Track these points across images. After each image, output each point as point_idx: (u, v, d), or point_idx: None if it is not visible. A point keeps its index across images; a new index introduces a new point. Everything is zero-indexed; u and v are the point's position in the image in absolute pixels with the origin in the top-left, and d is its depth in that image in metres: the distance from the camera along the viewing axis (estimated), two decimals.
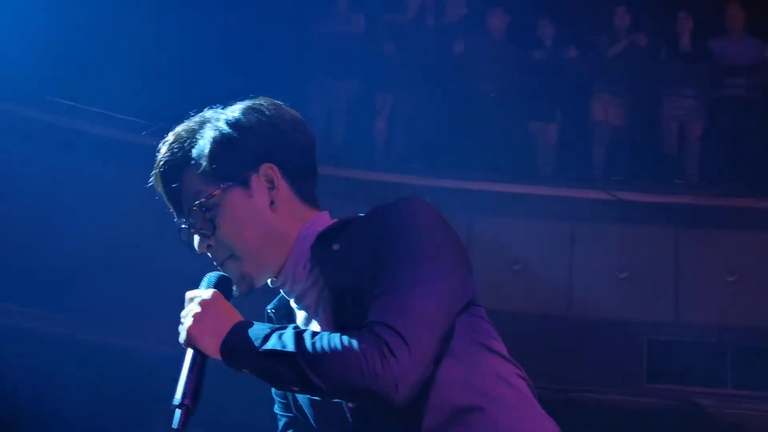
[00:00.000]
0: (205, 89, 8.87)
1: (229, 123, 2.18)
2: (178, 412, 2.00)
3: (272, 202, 2.16)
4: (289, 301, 2.24)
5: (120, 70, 9.01)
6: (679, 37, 9.80)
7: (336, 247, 2.11)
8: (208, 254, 2.19)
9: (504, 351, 2.14)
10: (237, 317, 2.06)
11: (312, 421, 2.22)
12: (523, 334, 7.00)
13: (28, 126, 9.04)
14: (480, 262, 8.77)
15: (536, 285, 8.72)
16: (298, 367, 1.93)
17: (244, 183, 2.16)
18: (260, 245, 2.16)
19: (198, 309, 2.05)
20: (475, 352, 2.07)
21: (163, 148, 2.21)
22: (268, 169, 2.16)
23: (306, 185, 2.22)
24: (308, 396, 2.10)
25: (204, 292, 2.09)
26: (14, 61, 8.43)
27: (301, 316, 2.21)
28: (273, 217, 2.17)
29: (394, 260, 2.00)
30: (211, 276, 2.16)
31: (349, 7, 9.92)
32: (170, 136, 2.22)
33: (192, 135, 2.19)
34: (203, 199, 2.14)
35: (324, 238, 2.15)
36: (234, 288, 2.17)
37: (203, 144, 2.16)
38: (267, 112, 2.20)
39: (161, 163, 2.20)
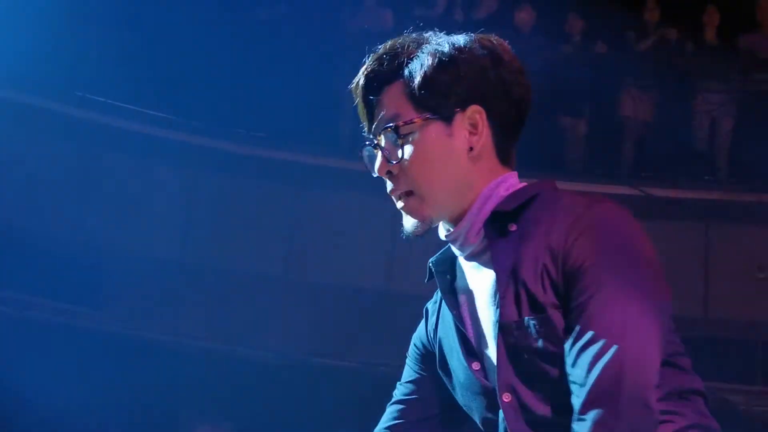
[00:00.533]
0: (229, 87, 8.97)
1: (451, 52, 1.99)
2: None
3: (471, 148, 1.99)
4: (452, 255, 2.09)
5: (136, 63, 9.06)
6: (707, 31, 9.73)
7: (513, 228, 1.96)
8: (386, 180, 2.03)
9: (688, 364, 2.01)
10: None
11: (452, 390, 2.10)
12: None
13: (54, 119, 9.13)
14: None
15: None
16: None
17: (448, 119, 1.99)
18: (446, 189, 2.00)
19: None
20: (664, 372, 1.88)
21: (372, 57, 2.04)
22: (476, 112, 1.99)
23: (507, 140, 2.04)
24: (464, 373, 2.03)
25: None
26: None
27: (469, 268, 2.05)
28: (466, 164, 2.00)
29: (597, 285, 1.83)
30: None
31: (378, 2, 9.93)
32: (382, 48, 2.05)
33: (407, 51, 2.02)
34: (400, 123, 1.98)
35: (500, 215, 1.98)
36: (406, 227, 2.04)
37: (417, 65, 1.99)
38: (494, 53, 2.01)
39: (367, 71, 2.03)
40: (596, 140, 9.66)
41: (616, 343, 1.79)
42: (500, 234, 1.96)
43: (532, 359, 1.89)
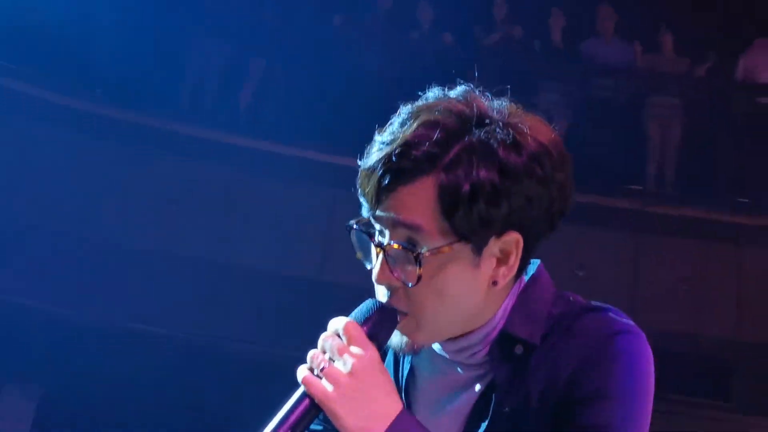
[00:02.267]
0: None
1: (507, 171, 1.62)
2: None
3: (495, 282, 1.69)
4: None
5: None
6: (553, 32, 9.95)
7: (518, 350, 1.73)
8: (378, 284, 1.71)
9: None
10: (395, 400, 1.63)
11: None
12: None
13: None
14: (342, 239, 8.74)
15: None
16: None
17: (479, 247, 1.65)
18: (452, 322, 1.73)
19: (347, 372, 1.60)
20: None
21: (403, 135, 1.63)
22: (514, 241, 1.67)
23: (532, 251, 1.73)
24: None
25: (362, 342, 1.62)
26: None
27: (439, 364, 1.82)
28: (484, 298, 1.71)
29: (593, 427, 1.66)
30: (368, 306, 1.69)
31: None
32: (416, 125, 1.64)
33: (449, 146, 1.63)
34: (425, 251, 1.63)
35: (508, 337, 1.73)
36: (392, 342, 1.72)
37: (462, 175, 1.61)
38: (552, 165, 1.66)
39: (394, 153, 1.62)
40: None
41: None
42: (505, 356, 1.74)
43: None
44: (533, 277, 1.81)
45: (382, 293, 1.73)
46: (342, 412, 1.59)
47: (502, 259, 1.69)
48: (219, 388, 7.84)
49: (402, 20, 9.93)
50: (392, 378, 1.80)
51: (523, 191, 1.64)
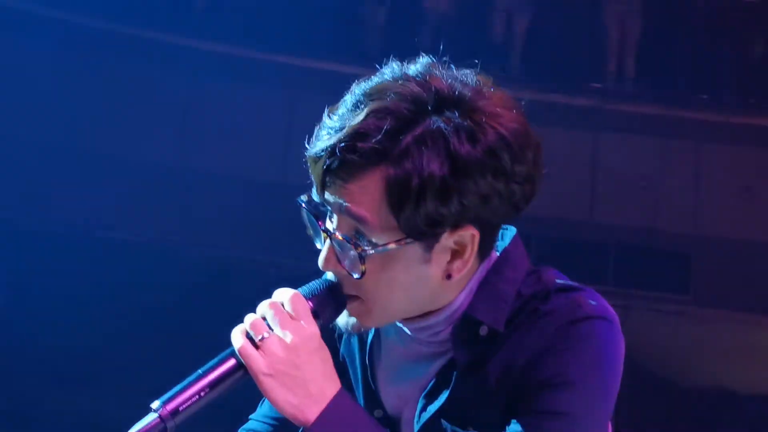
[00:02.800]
0: None
1: (459, 165, 1.54)
2: (150, 417, 1.51)
3: (449, 276, 1.63)
4: None
5: None
6: None
7: (483, 331, 1.67)
8: (326, 270, 1.63)
9: None
10: (333, 380, 1.58)
11: None
12: None
13: None
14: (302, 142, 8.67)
15: None
16: None
17: (430, 244, 1.59)
18: (404, 309, 1.67)
19: (286, 344, 1.54)
20: None
21: (351, 125, 1.55)
22: (469, 236, 1.60)
23: (496, 236, 1.66)
24: None
25: (304, 316, 1.57)
26: None
27: (400, 337, 1.75)
28: (438, 288, 1.64)
29: (551, 413, 1.60)
30: (316, 284, 1.62)
31: None
32: (379, 107, 1.55)
33: (398, 137, 1.53)
34: (368, 248, 1.56)
35: (470, 320, 1.67)
36: (338, 322, 1.65)
37: (411, 168, 1.53)
38: (513, 153, 1.56)
39: (340, 145, 1.55)
40: (395, 27, 9.63)
41: None
42: (468, 338, 1.68)
43: None
44: (505, 253, 1.73)
45: (329, 274, 1.66)
46: (277, 389, 1.55)
47: (458, 252, 1.61)
48: (180, 291, 7.86)
49: None
50: (353, 343, 1.80)
51: (477, 187, 1.56)
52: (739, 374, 8.34)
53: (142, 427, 1.50)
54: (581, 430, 1.64)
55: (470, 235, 1.59)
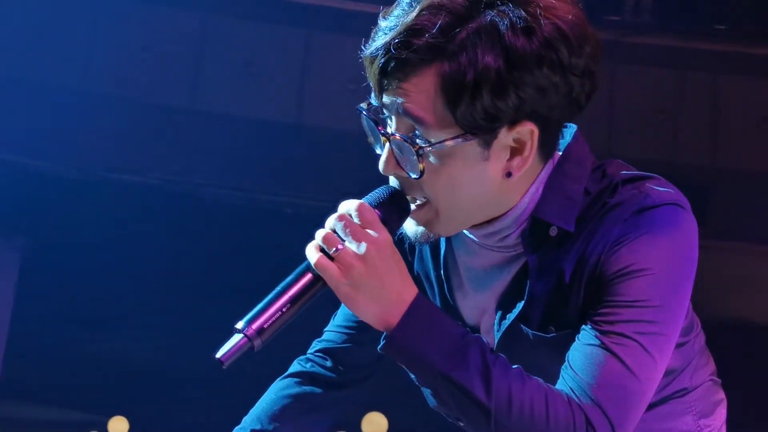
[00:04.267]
0: None
1: (516, 56, 1.54)
2: (236, 338, 1.57)
3: (509, 174, 1.65)
4: None
5: None
6: None
7: (553, 232, 1.69)
8: (387, 174, 1.66)
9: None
10: (409, 285, 1.60)
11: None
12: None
13: None
14: (318, 80, 8.68)
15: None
16: (486, 418, 1.57)
17: (487, 140, 1.61)
18: (470, 211, 1.69)
19: (361, 255, 1.55)
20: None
21: (404, 23, 1.55)
22: (528, 132, 1.63)
23: (557, 134, 1.69)
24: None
25: (376, 226, 1.58)
26: None
27: (474, 245, 1.77)
28: (500, 187, 1.67)
29: (636, 306, 1.61)
30: (382, 191, 1.64)
31: None
32: (432, 3, 1.56)
33: (454, 32, 1.54)
34: (426, 145, 1.58)
35: (538, 222, 1.68)
36: (407, 232, 1.69)
37: (467, 62, 1.54)
38: (569, 48, 1.56)
39: (394, 43, 1.56)
40: None
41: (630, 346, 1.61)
42: (539, 239, 1.70)
43: (528, 359, 1.72)
44: (567, 150, 1.75)
45: (393, 180, 1.70)
46: (357, 298, 1.58)
47: (517, 150, 1.63)
48: (199, 234, 7.88)
49: None
50: (427, 259, 1.83)
51: (534, 80, 1.56)
52: (755, 305, 8.36)
53: (230, 348, 1.57)
54: (659, 317, 1.63)
55: (529, 131, 1.62)
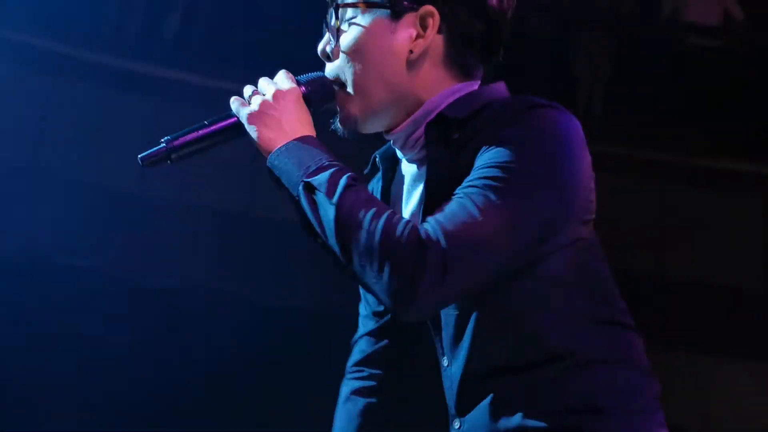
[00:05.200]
0: None
1: None
2: (158, 146, 1.91)
3: (411, 51, 1.83)
4: (395, 154, 1.98)
5: None
6: None
7: (455, 135, 1.80)
8: (321, 58, 1.93)
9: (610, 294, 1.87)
10: (307, 128, 1.82)
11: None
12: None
13: None
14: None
15: None
16: (328, 222, 1.68)
17: (396, 15, 1.83)
18: (379, 90, 1.85)
19: (269, 98, 1.83)
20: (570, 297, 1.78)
21: None
22: (428, 14, 1.84)
23: (469, 53, 1.87)
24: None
25: (288, 83, 1.86)
26: None
27: (408, 173, 1.94)
28: (404, 68, 1.84)
29: (495, 166, 1.68)
30: (312, 74, 1.90)
31: None
32: None
33: None
34: (342, 3, 1.87)
35: (445, 119, 1.82)
36: (333, 122, 1.92)
37: None
38: None
39: None
40: None
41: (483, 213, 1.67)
42: (441, 142, 1.82)
43: None
44: (491, 85, 1.90)
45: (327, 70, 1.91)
46: (258, 126, 1.82)
47: (419, 34, 1.84)
48: (139, 318, 7.78)
49: None
50: (374, 183, 2.02)
51: None
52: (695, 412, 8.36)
53: (150, 152, 1.91)
54: (517, 179, 1.68)
55: (430, 13, 1.83)
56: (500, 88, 1.90)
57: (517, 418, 1.76)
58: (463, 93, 1.87)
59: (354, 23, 1.86)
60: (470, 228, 1.64)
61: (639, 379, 1.84)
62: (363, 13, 1.85)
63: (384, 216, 1.67)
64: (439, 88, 1.87)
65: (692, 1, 9.79)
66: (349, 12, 1.87)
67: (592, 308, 1.81)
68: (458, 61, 1.88)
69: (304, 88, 1.87)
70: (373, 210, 1.67)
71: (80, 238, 8.19)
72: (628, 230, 9.02)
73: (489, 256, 1.67)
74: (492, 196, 1.67)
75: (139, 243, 8.33)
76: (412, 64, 1.85)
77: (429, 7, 1.83)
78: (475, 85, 1.90)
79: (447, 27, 1.85)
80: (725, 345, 7.87)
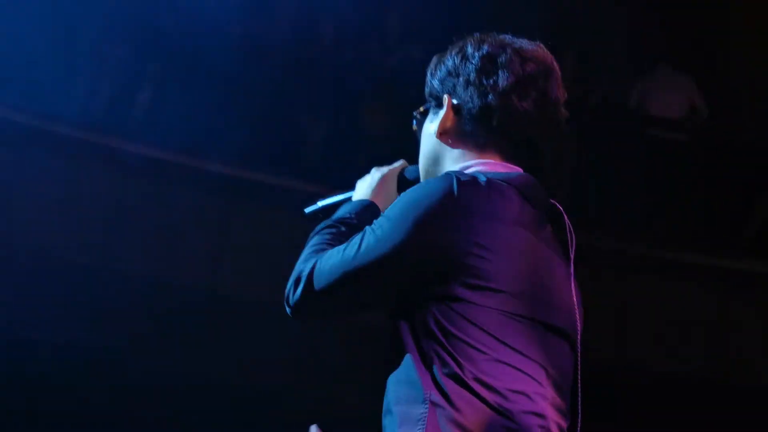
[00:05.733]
0: None
1: (458, 51, 2.36)
2: (315, 207, 2.50)
3: (441, 132, 2.34)
4: None
5: None
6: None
7: None
8: None
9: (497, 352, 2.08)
10: (374, 194, 2.42)
11: None
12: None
13: None
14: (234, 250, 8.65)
15: None
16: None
17: (434, 109, 2.40)
18: (423, 162, 2.41)
19: (373, 174, 2.44)
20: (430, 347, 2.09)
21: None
22: (445, 100, 2.35)
23: (480, 128, 2.31)
24: None
25: (392, 169, 2.49)
26: None
27: None
28: (436, 144, 2.37)
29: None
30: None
31: None
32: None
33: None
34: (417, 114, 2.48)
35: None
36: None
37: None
38: (464, 49, 2.36)
39: None
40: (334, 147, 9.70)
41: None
42: None
43: None
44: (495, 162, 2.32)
45: None
46: (359, 186, 2.48)
47: (443, 116, 2.35)
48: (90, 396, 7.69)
49: (304, 34, 9.87)
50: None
51: (445, 63, 2.37)
52: None
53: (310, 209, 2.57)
54: (379, 226, 2.15)
55: (446, 99, 2.34)
56: (497, 167, 2.30)
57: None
58: (472, 165, 2.31)
59: (421, 116, 2.54)
60: (333, 260, 2.18)
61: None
62: (422, 114, 2.54)
63: (301, 258, 2.26)
64: (461, 160, 2.35)
65: (658, 94, 9.90)
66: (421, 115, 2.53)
67: (438, 359, 2.06)
68: (475, 136, 2.35)
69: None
70: (309, 248, 2.28)
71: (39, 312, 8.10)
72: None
73: (341, 275, 2.16)
74: (354, 241, 2.18)
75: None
76: (442, 140, 2.42)
77: (446, 95, 2.41)
78: (490, 161, 2.30)
79: (458, 107, 2.36)
80: None
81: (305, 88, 9.51)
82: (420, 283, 2.10)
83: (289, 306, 2.24)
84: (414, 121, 2.44)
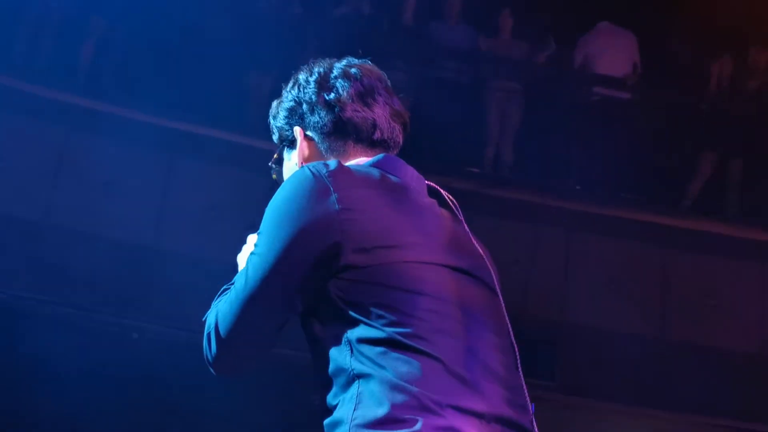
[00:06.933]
0: None
1: (293, 86, 2.44)
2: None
3: (303, 161, 2.35)
4: None
5: None
6: (404, 12, 9.98)
7: None
8: None
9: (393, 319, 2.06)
10: None
11: None
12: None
13: None
14: (178, 205, 8.62)
15: None
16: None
17: (291, 143, 2.43)
18: None
19: (249, 241, 2.31)
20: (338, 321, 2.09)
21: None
22: (299, 130, 2.39)
23: (329, 139, 2.36)
24: None
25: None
26: None
27: None
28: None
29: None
30: None
31: None
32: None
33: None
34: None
35: None
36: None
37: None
38: (308, 81, 2.41)
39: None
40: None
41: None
42: None
43: None
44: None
45: None
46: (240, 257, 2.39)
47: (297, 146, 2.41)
48: (48, 352, 7.65)
49: None
50: None
51: (287, 99, 2.43)
52: None
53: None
54: (260, 243, 2.14)
55: (298, 131, 2.40)
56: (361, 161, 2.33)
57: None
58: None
59: (280, 153, 2.52)
60: (232, 296, 2.18)
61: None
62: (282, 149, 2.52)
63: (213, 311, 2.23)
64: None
65: (603, 54, 9.96)
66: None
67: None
68: (327, 147, 2.38)
69: None
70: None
71: None
72: (534, 276, 9.14)
73: (239, 307, 2.16)
74: (245, 271, 2.18)
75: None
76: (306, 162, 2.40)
77: (296, 128, 2.41)
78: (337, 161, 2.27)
79: (309, 132, 2.40)
80: None
81: (252, 41, 9.43)
82: (319, 275, 2.08)
83: (211, 366, 2.21)
84: (272, 172, 2.48)
